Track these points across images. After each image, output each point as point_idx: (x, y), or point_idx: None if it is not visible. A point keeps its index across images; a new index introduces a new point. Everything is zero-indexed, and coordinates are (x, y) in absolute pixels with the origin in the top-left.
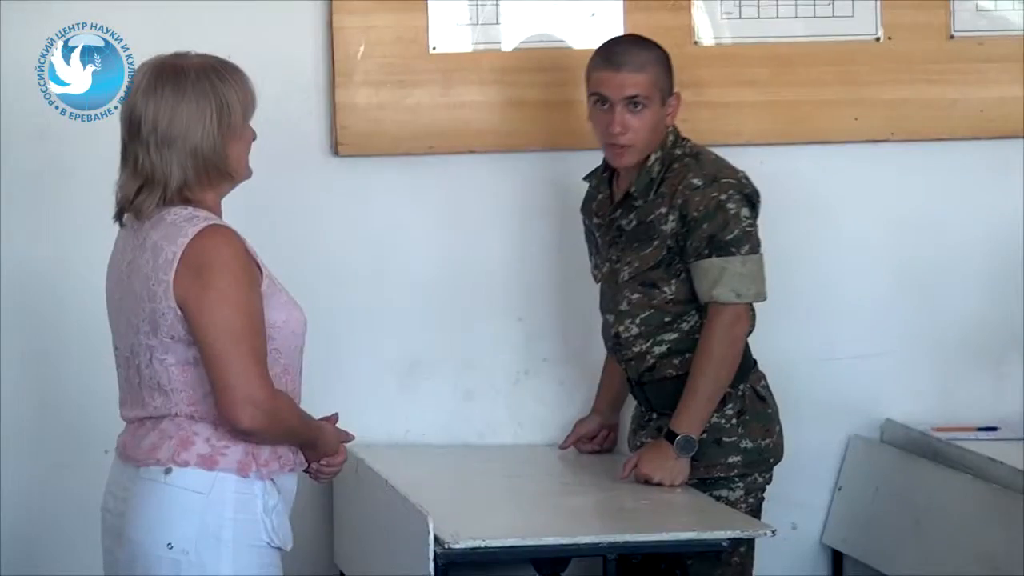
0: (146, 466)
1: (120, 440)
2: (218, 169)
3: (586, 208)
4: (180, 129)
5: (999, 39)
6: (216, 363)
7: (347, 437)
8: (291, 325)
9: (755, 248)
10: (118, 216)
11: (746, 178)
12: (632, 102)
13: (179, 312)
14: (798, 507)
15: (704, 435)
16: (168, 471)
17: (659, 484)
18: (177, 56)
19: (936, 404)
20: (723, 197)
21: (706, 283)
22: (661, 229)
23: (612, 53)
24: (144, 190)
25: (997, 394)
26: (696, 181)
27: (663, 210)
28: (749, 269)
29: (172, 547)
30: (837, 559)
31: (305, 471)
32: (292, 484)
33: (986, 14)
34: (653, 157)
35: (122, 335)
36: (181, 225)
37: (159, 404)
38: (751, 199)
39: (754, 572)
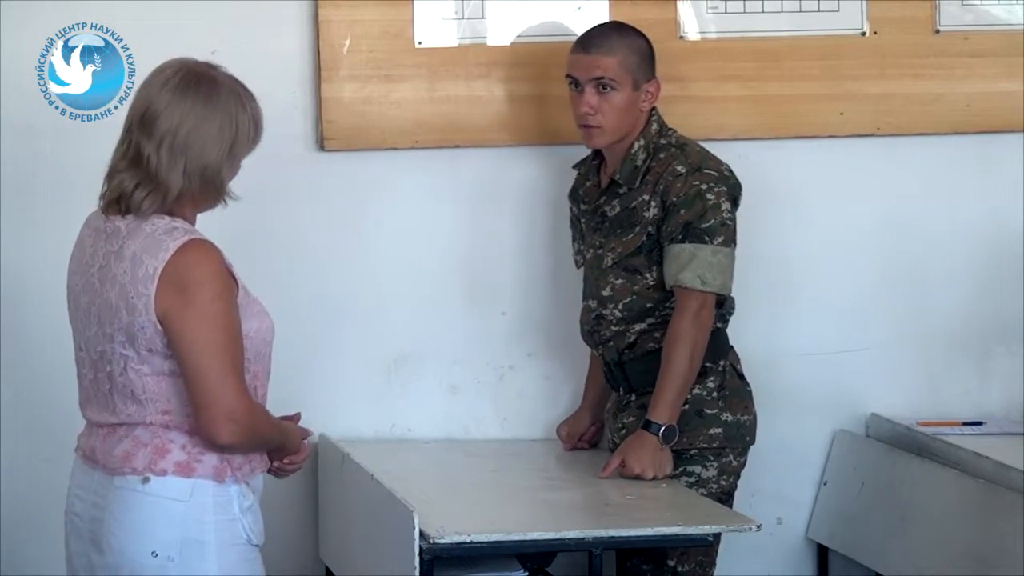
0: (121, 475)
1: (85, 443)
2: (215, 190)
3: (574, 195)
4: (198, 143)
5: (984, 34)
6: (197, 379)
7: (307, 434)
8: (262, 333)
9: (729, 241)
10: (104, 198)
11: (729, 171)
12: (600, 84)
13: (159, 326)
14: (783, 502)
15: (686, 406)
16: (146, 480)
17: (651, 478)
18: (211, 67)
19: (922, 399)
20: (704, 187)
21: (674, 267)
22: (643, 215)
23: (586, 37)
24: (141, 187)
25: (983, 389)
26: (680, 169)
27: (646, 197)
28: (719, 260)
29: (157, 555)
30: (823, 553)
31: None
32: (260, 482)
33: (971, 9)
34: (637, 145)
35: (91, 339)
36: (161, 238)
37: (132, 412)
38: (732, 192)
39: (740, 566)
